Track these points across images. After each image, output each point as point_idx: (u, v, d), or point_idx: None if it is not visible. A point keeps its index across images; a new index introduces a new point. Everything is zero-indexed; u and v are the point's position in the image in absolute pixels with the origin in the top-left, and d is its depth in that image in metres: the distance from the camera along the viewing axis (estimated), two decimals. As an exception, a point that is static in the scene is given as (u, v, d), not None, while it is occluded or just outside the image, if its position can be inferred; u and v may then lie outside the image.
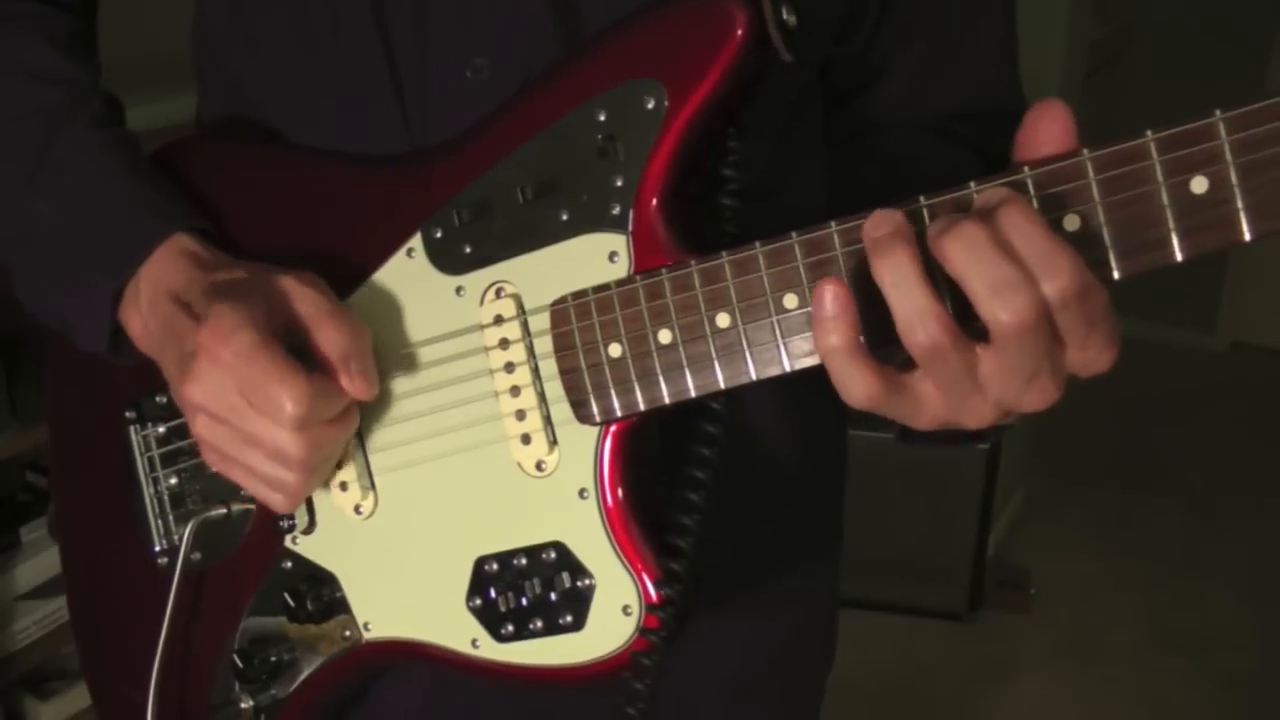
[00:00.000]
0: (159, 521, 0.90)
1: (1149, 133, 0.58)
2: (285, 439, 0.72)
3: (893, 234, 0.60)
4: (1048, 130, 0.61)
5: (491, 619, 0.77)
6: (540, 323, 0.74)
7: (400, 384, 0.79)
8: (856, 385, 0.62)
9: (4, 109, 0.86)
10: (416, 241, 0.78)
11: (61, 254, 0.84)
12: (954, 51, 0.92)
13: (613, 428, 0.73)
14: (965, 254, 0.58)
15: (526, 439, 0.75)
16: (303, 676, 0.84)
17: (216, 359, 0.71)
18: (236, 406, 0.72)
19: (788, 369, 0.67)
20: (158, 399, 0.88)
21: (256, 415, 0.72)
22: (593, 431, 0.73)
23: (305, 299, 0.74)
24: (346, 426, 0.77)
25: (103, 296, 0.81)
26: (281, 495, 0.76)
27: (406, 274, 0.78)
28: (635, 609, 0.73)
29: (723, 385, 0.69)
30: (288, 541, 0.83)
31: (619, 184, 0.72)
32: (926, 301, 0.59)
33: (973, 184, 0.61)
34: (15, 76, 0.87)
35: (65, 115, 0.85)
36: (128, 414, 0.90)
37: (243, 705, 0.84)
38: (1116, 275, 0.59)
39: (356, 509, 0.81)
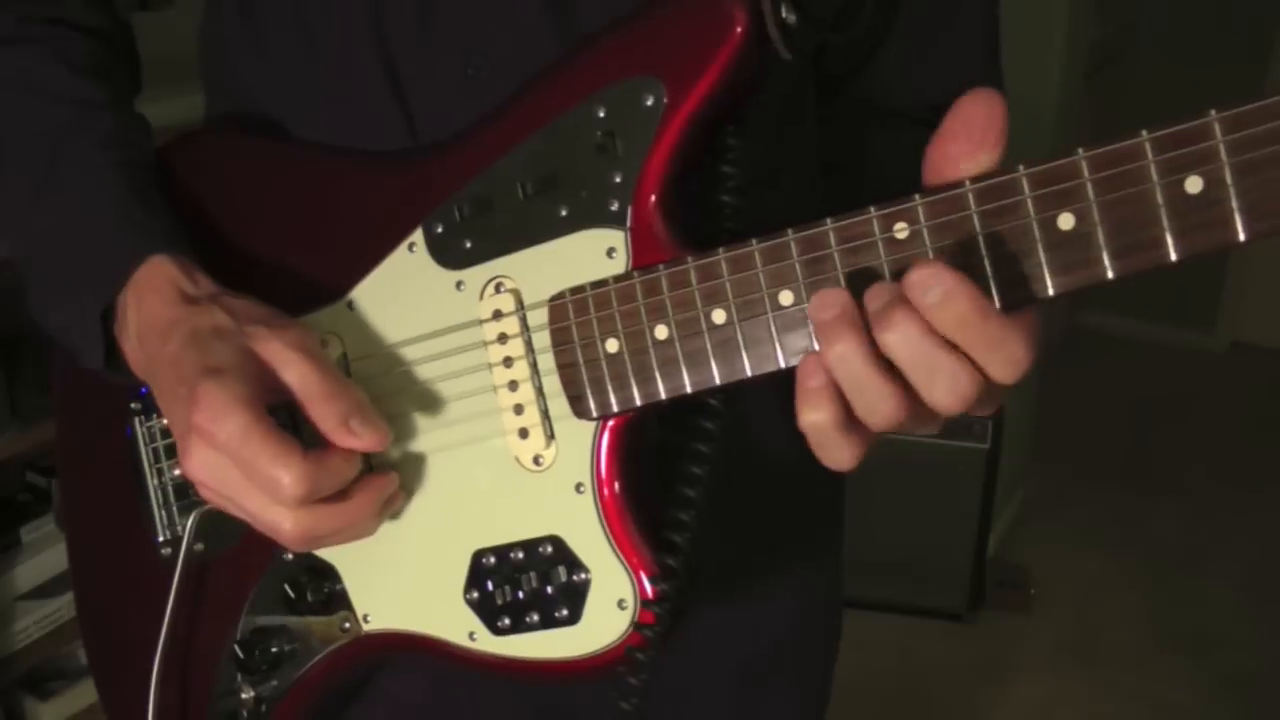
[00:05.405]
0: (163, 512, 0.91)
1: (1144, 132, 0.58)
2: (280, 515, 0.73)
3: (837, 317, 0.61)
4: (969, 111, 0.61)
5: (488, 612, 0.77)
6: (539, 318, 0.74)
7: (400, 378, 0.79)
8: (845, 454, 0.64)
9: (18, 126, 0.87)
10: (418, 236, 0.78)
11: (59, 270, 0.85)
12: (932, 41, 0.93)
13: (610, 423, 0.73)
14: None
15: (524, 433, 0.75)
16: (303, 668, 0.84)
17: (211, 441, 0.71)
18: (232, 482, 0.72)
19: (783, 365, 0.67)
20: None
21: (254, 492, 0.72)
22: (590, 426, 0.74)
23: (293, 369, 0.74)
24: (346, 512, 0.75)
25: (92, 315, 0.82)
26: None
27: (407, 268, 0.79)
28: (630, 604, 0.73)
29: (719, 381, 0.69)
30: (288, 534, 0.83)
31: (618, 180, 0.72)
32: (879, 386, 0.61)
33: (967, 182, 0.61)
34: (31, 95, 0.88)
35: (74, 134, 0.86)
36: (133, 405, 0.90)
37: (244, 695, 0.85)
38: (1111, 275, 0.59)
39: (356, 501, 0.81)
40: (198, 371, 0.72)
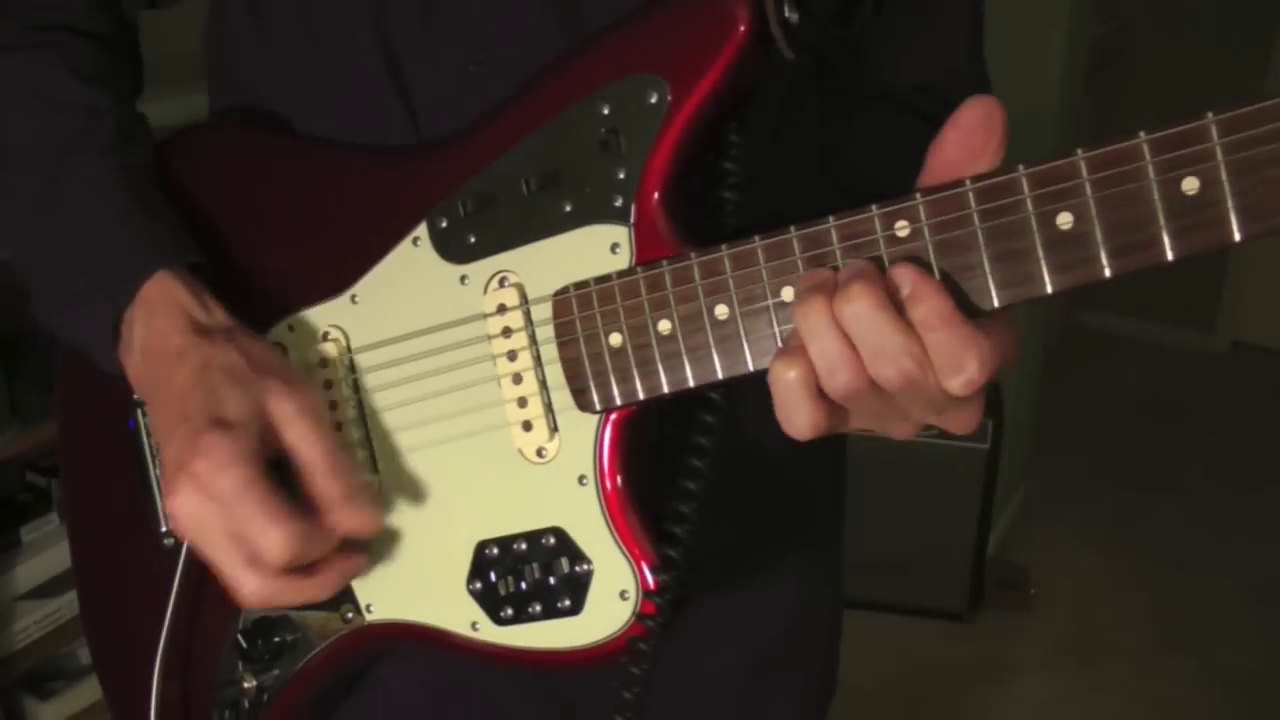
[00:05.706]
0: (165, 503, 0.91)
1: (1142, 134, 0.58)
2: (246, 578, 0.74)
3: (815, 286, 0.64)
4: (968, 120, 0.62)
5: (491, 602, 0.78)
6: (543, 312, 0.75)
7: (404, 370, 0.80)
8: (804, 418, 0.65)
9: (22, 135, 0.87)
10: (422, 230, 0.79)
11: (66, 278, 0.85)
12: (917, 23, 0.93)
13: (613, 416, 0.74)
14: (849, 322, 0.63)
15: (528, 426, 0.76)
16: (305, 657, 0.85)
17: (206, 489, 0.72)
18: (211, 533, 0.73)
19: (784, 360, 0.68)
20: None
21: (228, 548, 0.73)
22: (593, 419, 0.75)
23: (303, 438, 0.75)
24: (307, 589, 0.77)
25: (103, 323, 0.82)
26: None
27: (412, 262, 0.80)
28: (632, 594, 0.74)
29: (720, 375, 0.70)
30: (292, 524, 0.84)
31: (621, 177, 0.73)
32: (839, 350, 0.63)
33: (968, 181, 0.62)
34: (34, 103, 0.88)
35: (78, 142, 0.86)
36: (135, 397, 0.91)
37: (246, 685, 0.85)
38: (1108, 273, 0.60)
39: (360, 493, 0.82)
40: (205, 418, 0.73)
